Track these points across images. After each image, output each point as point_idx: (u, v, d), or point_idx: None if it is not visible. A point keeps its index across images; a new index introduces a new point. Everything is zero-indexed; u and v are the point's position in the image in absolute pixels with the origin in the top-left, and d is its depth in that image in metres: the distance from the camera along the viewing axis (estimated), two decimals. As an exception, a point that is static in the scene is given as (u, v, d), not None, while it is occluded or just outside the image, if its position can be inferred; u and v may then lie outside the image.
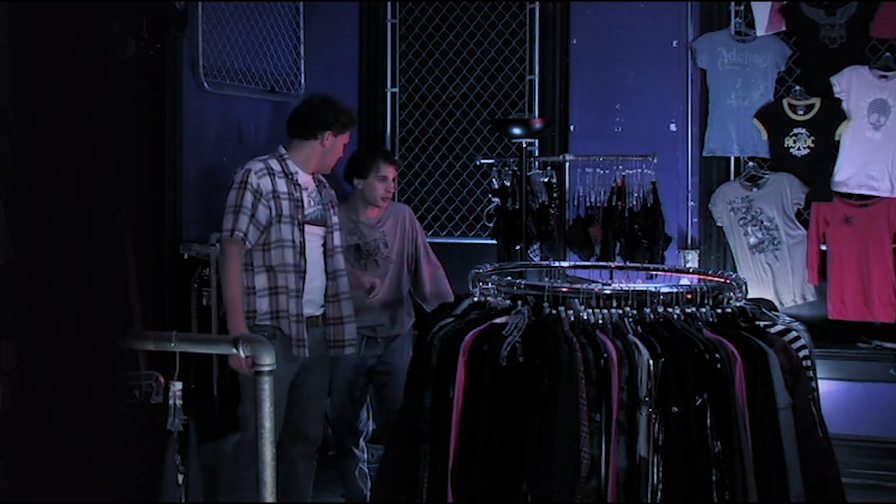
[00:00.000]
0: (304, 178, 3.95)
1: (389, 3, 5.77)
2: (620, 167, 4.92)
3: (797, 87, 5.07)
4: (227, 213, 3.82)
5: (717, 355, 2.71)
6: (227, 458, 3.98)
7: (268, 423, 2.52)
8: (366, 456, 4.64)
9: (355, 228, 4.42)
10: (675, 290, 2.94)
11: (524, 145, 4.92)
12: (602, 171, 4.97)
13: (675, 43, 5.26)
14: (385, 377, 4.50)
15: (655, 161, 4.86)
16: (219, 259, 4.00)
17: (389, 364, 4.49)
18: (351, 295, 4.05)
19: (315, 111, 3.98)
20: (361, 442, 4.62)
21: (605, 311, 2.85)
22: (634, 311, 2.86)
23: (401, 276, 4.50)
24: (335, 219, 4.04)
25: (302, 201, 3.89)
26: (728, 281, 3.17)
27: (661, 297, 2.89)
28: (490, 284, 3.07)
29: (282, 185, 3.85)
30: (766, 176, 5.10)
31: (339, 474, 4.65)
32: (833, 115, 4.98)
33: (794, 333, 2.97)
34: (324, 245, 3.98)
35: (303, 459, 4.04)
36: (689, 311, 2.89)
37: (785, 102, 5.06)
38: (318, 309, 3.95)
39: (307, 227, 3.90)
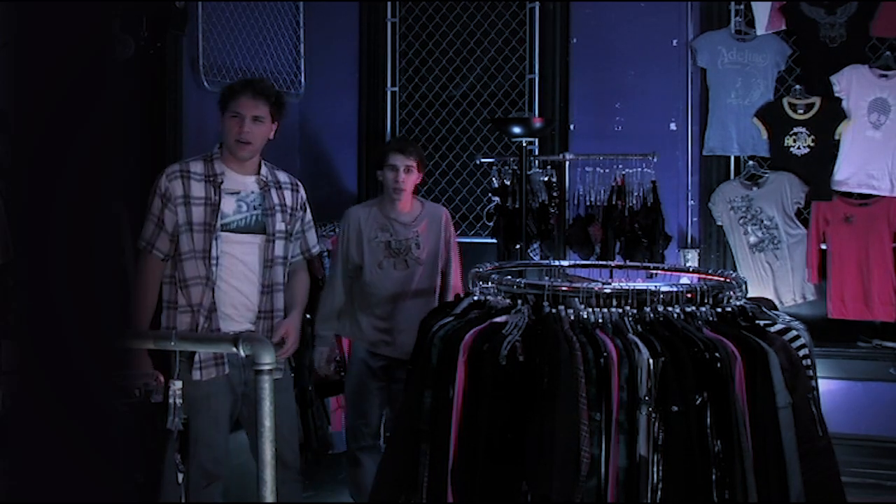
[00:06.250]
0: (234, 180, 3.55)
1: (389, 3, 5.77)
2: (620, 166, 4.93)
3: (797, 87, 5.07)
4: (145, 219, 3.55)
5: (716, 354, 2.70)
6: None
7: (267, 423, 2.52)
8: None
9: (388, 225, 4.21)
10: (674, 289, 2.93)
11: (524, 144, 4.92)
12: (602, 171, 4.97)
13: (675, 42, 5.26)
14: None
15: (655, 160, 4.86)
16: None
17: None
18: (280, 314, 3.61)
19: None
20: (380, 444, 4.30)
21: (605, 310, 2.84)
22: (634, 311, 2.85)
23: (432, 280, 4.26)
24: (280, 226, 3.59)
25: (219, 206, 3.48)
26: (728, 280, 3.17)
27: (661, 296, 2.88)
28: (490, 283, 3.06)
29: (197, 189, 3.47)
30: (766, 175, 5.10)
31: (348, 478, 4.31)
32: (833, 114, 4.98)
33: (793, 332, 2.96)
34: (266, 255, 3.56)
35: (284, 486, 3.58)
36: (688, 310, 2.89)
37: (785, 101, 5.06)
38: (251, 325, 3.55)
39: (235, 236, 3.51)
